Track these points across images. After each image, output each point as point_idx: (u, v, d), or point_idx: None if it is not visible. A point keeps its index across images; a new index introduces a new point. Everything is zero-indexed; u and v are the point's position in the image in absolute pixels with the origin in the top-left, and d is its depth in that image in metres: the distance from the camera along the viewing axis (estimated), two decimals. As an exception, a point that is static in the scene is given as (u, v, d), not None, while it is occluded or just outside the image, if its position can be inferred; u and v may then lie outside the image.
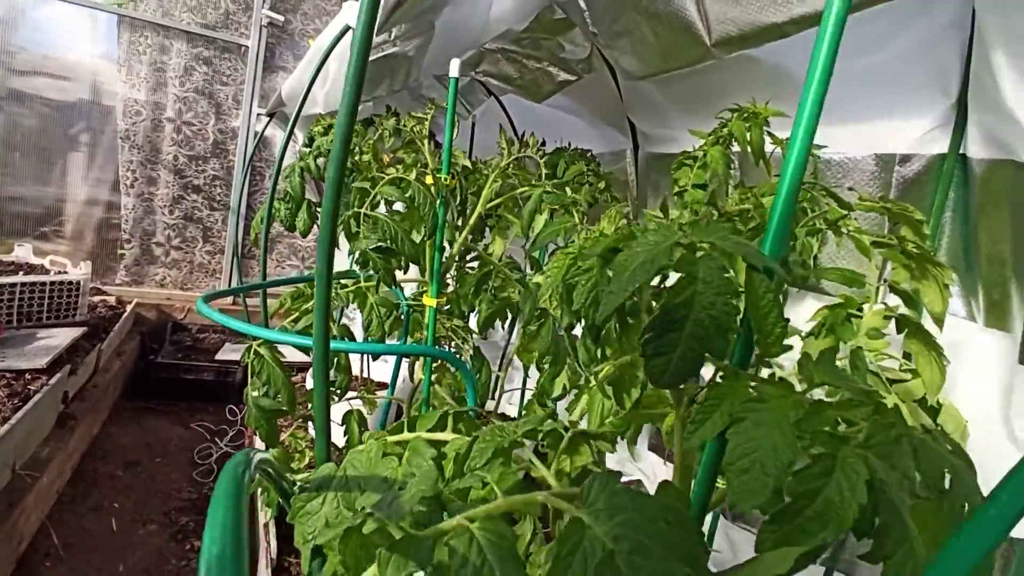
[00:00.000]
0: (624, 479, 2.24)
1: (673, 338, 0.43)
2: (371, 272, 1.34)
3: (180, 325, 4.09)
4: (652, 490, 1.71)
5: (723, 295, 0.42)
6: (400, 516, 0.41)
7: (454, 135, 1.35)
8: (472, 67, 2.89)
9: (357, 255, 1.20)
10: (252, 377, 1.37)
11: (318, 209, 1.99)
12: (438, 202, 1.25)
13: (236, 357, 3.70)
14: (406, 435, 0.66)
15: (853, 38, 1.41)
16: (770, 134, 1.36)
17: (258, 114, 4.14)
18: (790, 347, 0.48)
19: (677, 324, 0.42)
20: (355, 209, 1.14)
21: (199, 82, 4.10)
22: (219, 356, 3.71)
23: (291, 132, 1.98)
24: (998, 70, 1.07)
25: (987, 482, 1.15)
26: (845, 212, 1.05)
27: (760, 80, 1.58)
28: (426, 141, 1.42)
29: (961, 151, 1.24)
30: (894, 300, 1.08)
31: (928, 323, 1.03)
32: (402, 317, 1.55)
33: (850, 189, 1.37)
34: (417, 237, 1.15)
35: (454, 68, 1.32)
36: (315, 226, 2.14)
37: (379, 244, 1.12)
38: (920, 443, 0.42)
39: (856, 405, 0.42)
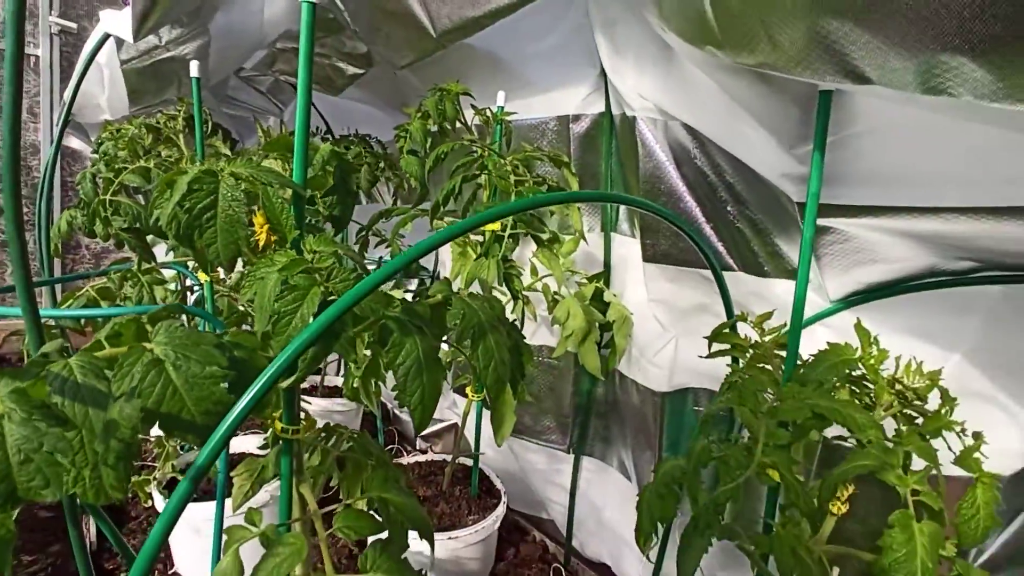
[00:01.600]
0: (441, 424, 2.52)
1: (211, 231, 0.67)
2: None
3: (-3, 357, 3.84)
4: (468, 431, 1.95)
5: (236, 201, 0.67)
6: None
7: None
8: (268, 67, 3.01)
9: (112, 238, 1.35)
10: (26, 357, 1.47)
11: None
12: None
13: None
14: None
15: (529, 27, 1.75)
16: (473, 106, 1.67)
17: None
18: (298, 234, 0.74)
19: (210, 219, 0.67)
20: (101, 197, 1.29)
21: (-15, 98, 3.84)
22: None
23: (58, 143, 2.03)
24: (602, 47, 1.44)
25: (644, 352, 1.53)
26: (502, 161, 1.36)
27: (480, 62, 1.89)
28: (181, 135, 1.57)
29: (610, 108, 1.62)
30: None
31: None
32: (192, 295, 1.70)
33: (539, 150, 1.71)
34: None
35: (194, 69, 1.49)
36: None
37: (127, 226, 1.28)
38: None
39: (325, 259, 0.69)
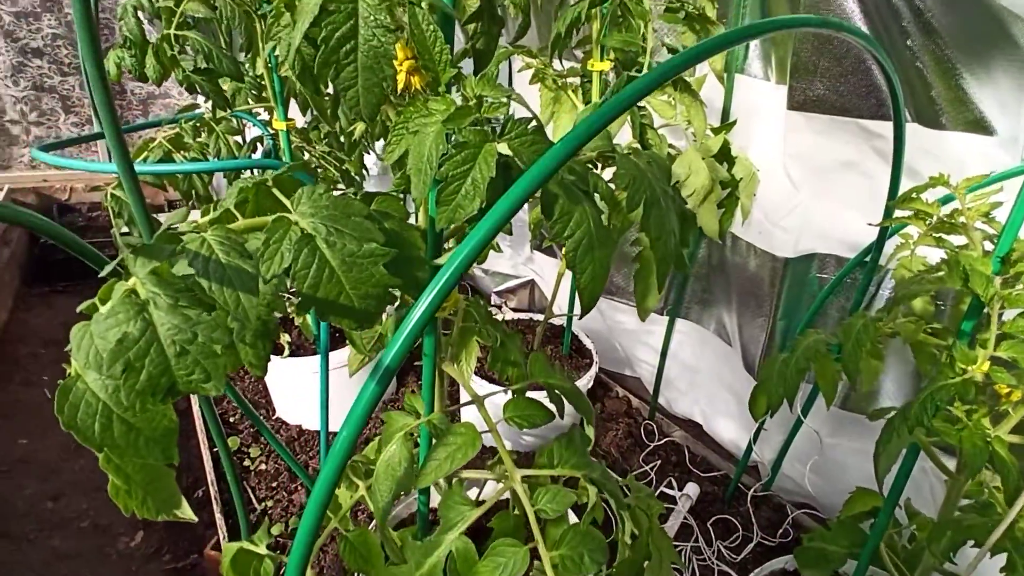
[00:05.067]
0: (517, 281, 2.47)
1: (351, 70, 0.52)
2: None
3: (67, 206, 3.89)
4: (547, 290, 1.93)
5: (381, 28, 0.51)
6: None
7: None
8: None
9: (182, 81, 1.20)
10: (114, 218, 1.41)
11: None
12: (256, 17, 1.22)
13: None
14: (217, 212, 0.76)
15: None
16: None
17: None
18: (457, 70, 0.58)
19: (349, 52, 0.51)
20: (165, 31, 1.11)
21: (-1, -82, 3.47)
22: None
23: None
24: None
25: (768, 215, 1.37)
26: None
27: None
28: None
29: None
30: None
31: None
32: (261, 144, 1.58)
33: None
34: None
35: None
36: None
37: (198, 66, 1.12)
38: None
39: (496, 107, 0.54)
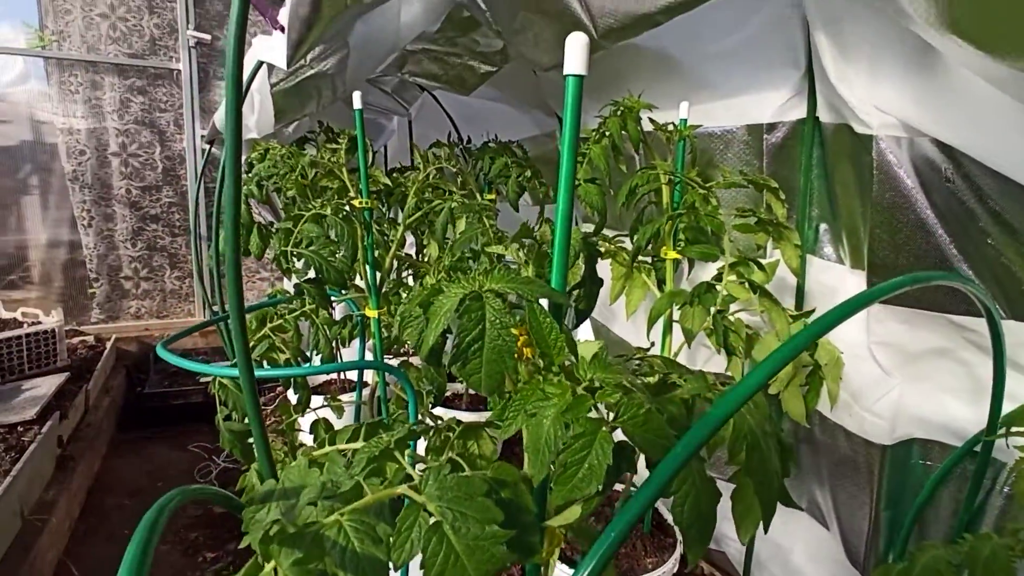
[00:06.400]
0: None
1: (476, 362, 0.58)
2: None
3: (162, 352, 4.20)
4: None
5: (505, 329, 0.57)
6: (293, 519, 0.56)
7: (372, 148, 1.47)
8: (398, 68, 2.96)
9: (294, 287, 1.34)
10: (219, 405, 1.52)
11: (268, 229, 2.10)
12: (359, 225, 1.38)
13: (221, 376, 3.83)
14: (327, 448, 0.81)
15: (713, 22, 1.56)
16: (651, 120, 1.50)
17: (201, 136, 4.18)
18: (572, 353, 0.63)
19: (476, 350, 0.58)
20: (281, 248, 1.27)
21: (137, 112, 4.12)
22: (204, 377, 3.84)
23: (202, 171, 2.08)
24: (823, 48, 1.22)
25: (857, 399, 1.34)
26: (705, 190, 1.20)
27: (647, 62, 1.71)
28: (344, 169, 1.53)
29: (816, 115, 1.39)
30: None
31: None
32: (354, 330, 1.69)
33: (742, 174, 1.51)
34: (340, 262, 1.28)
35: (356, 101, 1.44)
36: (267, 249, 2.26)
37: (309, 277, 1.26)
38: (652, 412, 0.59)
39: (610, 394, 0.58)
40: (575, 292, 0.74)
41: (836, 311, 0.61)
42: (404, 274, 1.70)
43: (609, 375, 0.60)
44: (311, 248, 1.25)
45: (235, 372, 0.88)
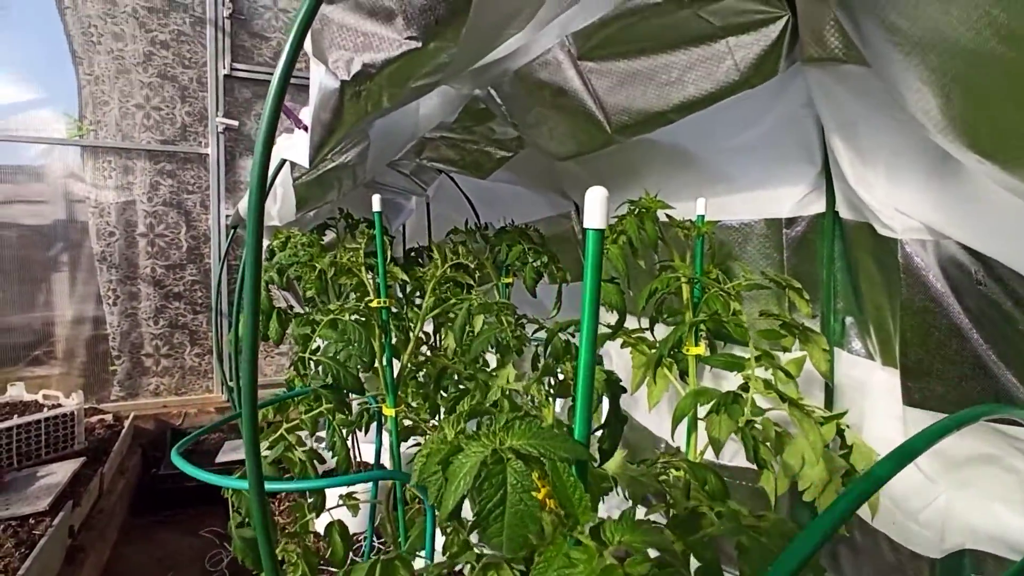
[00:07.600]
0: None
1: (498, 527, 0.55)
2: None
3: (179, 431, 4.18)
4: None
5: (527, 493, 0.54)
6: None
7: (389, 229, 1.49)
8: (416, 154, 3.05)
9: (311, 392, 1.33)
10: (232, 511, 1.48)
11: (288, 313, 2.11)
12: (377, 325, 1.38)
13: (237, 456, 3.78)
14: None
15: (726, 120, 1.57)
16: (669, 216, 1.50)
17: (227, 216, 4.31)
18: (594, 513, 0.59)
19: (498, 516, 0.54)
20: (299, 355, 1.27)
21: (166, 195, 4.27)
22: (220, 458, 3.79)
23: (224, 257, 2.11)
24: (838, 150, 1.22)
25: (898, 504, 1.26)
26: (726, 295, 1.18)
27: (662, 156, 1.73)
28: (363, 268, 1.55)
29: (836, 211, 1.38)
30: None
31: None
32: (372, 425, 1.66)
33: (764, 276, 1.50)
34: (355, 365, 1.27)
35: (375, 204, 1.46)
36: (286, 333, 2.26)
37: (325, 383, 1.25)
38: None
39: (640, 561, 0.54)
40: (599, 432, 0.71)
41: (900, 450, 0.56)
42: (420, 357, 1.67)
43: (637, 538, 0.56)
44: (328, 356, 1.24)
45: (245, 484, 0.84)
